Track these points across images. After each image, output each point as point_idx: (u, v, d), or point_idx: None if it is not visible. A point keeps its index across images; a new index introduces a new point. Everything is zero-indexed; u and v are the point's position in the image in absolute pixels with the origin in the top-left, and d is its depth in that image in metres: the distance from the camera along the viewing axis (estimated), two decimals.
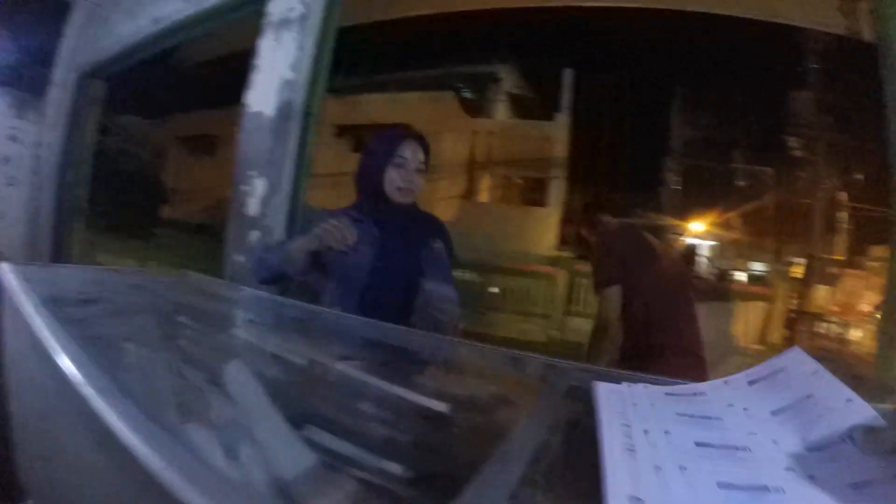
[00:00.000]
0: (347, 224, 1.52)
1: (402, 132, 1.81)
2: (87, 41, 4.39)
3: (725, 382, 0.72)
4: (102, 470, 0.47)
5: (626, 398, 0.68)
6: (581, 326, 8.57)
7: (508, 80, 16.66)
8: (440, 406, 0.59)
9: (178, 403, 0.54)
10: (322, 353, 0.80)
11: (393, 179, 1.74)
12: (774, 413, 0.59)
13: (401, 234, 1.75)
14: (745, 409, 0.62)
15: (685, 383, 0.74)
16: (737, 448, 0.53)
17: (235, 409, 0.56)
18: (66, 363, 0.53)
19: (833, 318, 16.33)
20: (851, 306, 15.59)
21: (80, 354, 0.56)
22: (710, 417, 0.61)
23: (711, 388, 0.71)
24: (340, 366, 0.74)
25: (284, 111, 2.55)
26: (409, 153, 1.76)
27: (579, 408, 0.68)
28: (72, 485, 0.53)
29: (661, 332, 2.11)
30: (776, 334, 13.49)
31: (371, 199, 1.79)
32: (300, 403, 0.59)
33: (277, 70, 2.61)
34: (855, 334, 15.80)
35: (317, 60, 2.63)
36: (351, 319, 1.14)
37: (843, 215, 16.71)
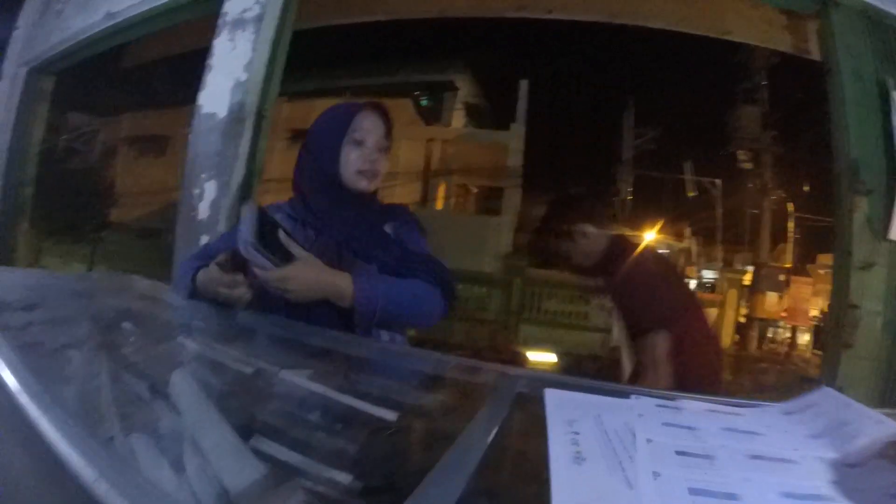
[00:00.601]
0: (241, 281, 1.15)
1: (357, 103, 1.48)
2: (39, 34, 4.24)
3: (761, 410, 0.74)
4: (37, 481, 0.45)
5: (588, 405, 0.68)
6: (533, 334, 8.68)
7: (465, 88, 16.81)
8: (388, 414, 0.58)
9: (120, 413, 0.53)
10: (268, 362, 0.78)
11: (351, 161, 1.40)
12: (812, 437, 0.62)
13: (360, 232, 1.42)
14: (785, 432, 0.64)
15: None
16: (783, 460, 0.56)
17: (179, 418, 0.55)
18: (2, 371, 0.51)
19: (781, 324, 17.04)
20: (799, 312, 16.29)
21: (16, 362, 0.53)
22: (754, 433, 0.63)
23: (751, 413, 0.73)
24: (287, 374, 0.73)
25: (237, 113, 2.51)
26: (370, 126, 1.44)
27: (526, 415, 0.68)
28: (6, 496, 0.51)
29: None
30: (727, 339, 13.94)
31: (320, 191, 1.44)
32: (246, 413, 0.57)
33: (231, 71, 2.57)
34: (802, 338, 16.52)
35: (271, 62, 2.61)
36: (298, 327, 1.13)
37: (791, 225, 17.45)
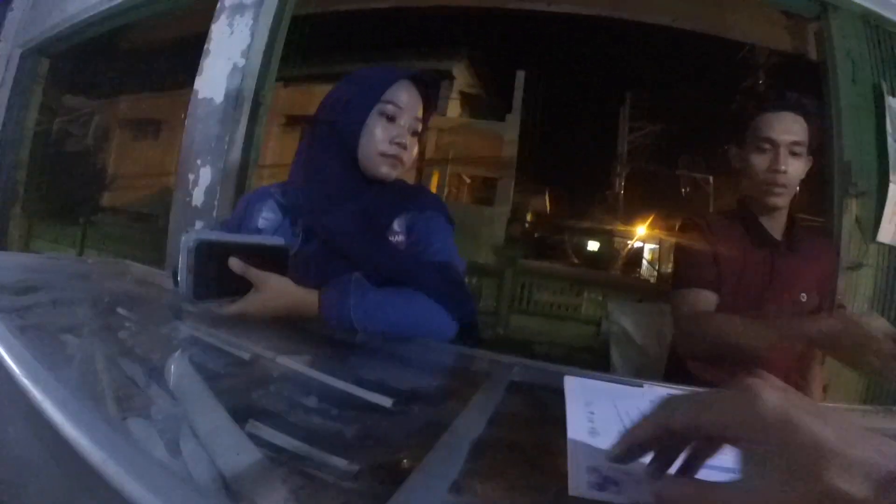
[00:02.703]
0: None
1: (396, 69, 1.17)
2: (34, 16, 4.20)
3: None
4: (42, 464, 0.46)
5: (602, 391, 0.73)
6: (526, 324, 8.70)
7: (462, 78, 16.74)
8: (384, 400, 0.60)
9: (118, 397, 0.53)
10: (265, 347, 0.79)
11: (376, 138, 1.12)
12: None
13: (360, 231, 1.12)
14: None
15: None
16: None
17: (176, 403, 0.56)
18: (3, 353, 0.52)
19: None
20: None
21: (17, 345, 0.54)
22: None
23: None
24: (284, 360, 0.74)
25: (234, 98, 2.50)
26: (407, 100, 1.15)
27: (519, 401, 0.71)
28: (8, 480, 0.52)
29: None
30: None
31: (328, 174, 1.15)
32: (242, 397, 0.58)
33: (229, 56, 2.56)
34: None
35: (269, 48, 2.60)
36: None
37: None
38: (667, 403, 0.42)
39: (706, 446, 0.42)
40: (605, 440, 0.52)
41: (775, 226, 1.53)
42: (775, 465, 0.33)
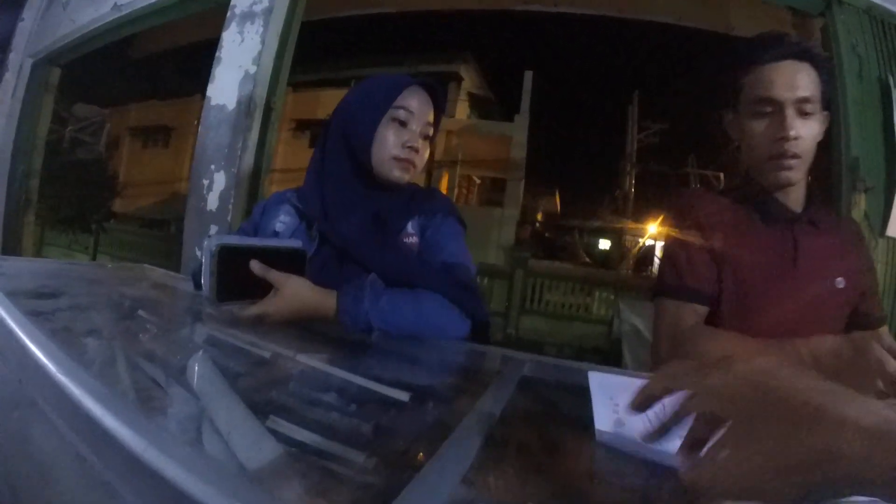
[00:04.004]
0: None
1: (406, 76, 1.20)
2: (44, 26, 4.26)
3: None
4: (69, 462, 0.48)
5: (624, 386, 0.73)
6: (536, 325, 8.69)
7: (470, 80, 16.75)
8: (401, 395, 0.62)
9: (143, 396, 0.55)
10: (284, 347, 0.81)
11: (388, 144, 1.15)
12: None
13: (373, 234, 1.16)
14: None
15: None
16: None
17: (199, 400, 0.58)
18: (37, 352, 0.54)
19: None
20: None
21: (51, 345, 0.56)
22: None
23: None
24: (303, 358, 0.76)
25: (246, 104, 2.53)
26: (418, 105, 1.18)
27: (531, 398, 0.72)
28: (31, 479, 0.54)
29: None
30: None
31: (341, 179, 1.20)
32: (263, 395, 0.60)
33: (240, 63, 2.59)
34: None
35: (280, 55, 2.63)
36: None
37: None
38: (675, 365, 0.48)
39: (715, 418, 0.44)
40: (631, 429, 0.55)
41: (792, 201, 1.24)
42: (771, 427, 0.35)
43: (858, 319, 1.23)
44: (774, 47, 1.16)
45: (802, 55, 1.14)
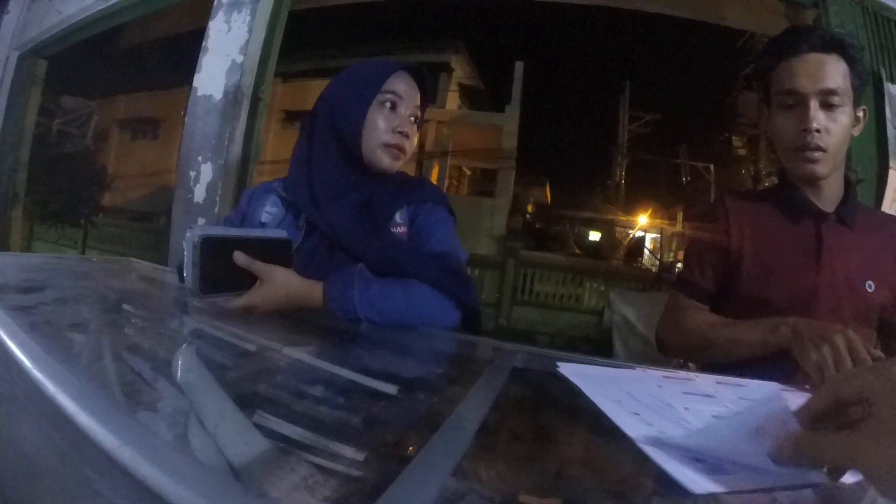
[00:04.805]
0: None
1: (393, 61, 1.19)
2: (31, 18, 4.21)
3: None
4: (54, 459, 0.47)
5: (604, 377, 0.72)
6: (528, 315, 8.71)
7: (460, 70, 16.71)
8: (389, 388, 0.61)
9: (126, 391, 0.54)
10: (271, 339, 0.80)
11: (378, 130, 1.13)
12: None
13: (362, 223, 1.13)
14: None
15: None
16: None
17: (184, 395, 0.57)
18: (14, 349, 0.53)
19: None
20: None
21: (28, 340, 0.55)
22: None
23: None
24: (290, 351, 0.75)
25: (233, 94, 2.51)
26: (406, 90, 1.16)
27: (521, 387, 0.72)
28: (18, 477, 0.53)
29: None
30: None
31: (329, 168, 1.16)
32: (249, 388, 0.59)
33: (227, 52, 2.57)
34: None
35: (267, 44, 2.61)
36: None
37: None
38: (840, 377, 0.50)
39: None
40: (652, 425, 0.54)
41: (823, 198, 1.21)
42: None
43: (887, 328, 1.19)
44: (801, 40, 1.14)
45: (829, 47, 1.12)
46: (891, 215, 1.39)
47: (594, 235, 21.64)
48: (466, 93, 17.13)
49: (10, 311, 0.67)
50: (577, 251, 17.66)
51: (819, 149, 1.11)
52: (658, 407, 0.61)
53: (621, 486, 0.46)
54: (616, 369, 0.78)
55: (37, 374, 0.47)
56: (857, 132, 1.18)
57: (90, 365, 0.59)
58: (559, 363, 0.74)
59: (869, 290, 1.15)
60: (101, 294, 1.11)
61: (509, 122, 14.42)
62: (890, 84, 2.02)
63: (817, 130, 1.10)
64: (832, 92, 1.10)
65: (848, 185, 1.24)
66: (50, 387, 0.45)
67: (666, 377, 0.73)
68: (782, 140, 1.18)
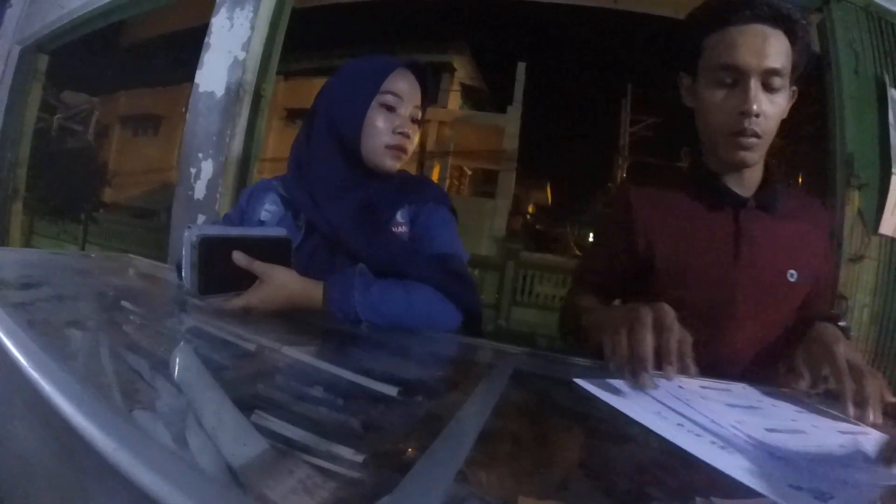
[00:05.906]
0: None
1: (393, 59, 1.16)
2: (33, 12, 4.21)
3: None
4: (49, 458, 0.47)
5: (641, 392, 0.67)
6: (528, 317, 8.71)
7: (462, 70, 16.70)
8: (389, 390, 0.60)
9: (124, 389, 0.54)
10: (270, 339, 0.79)
11: (378, 130, 1.10)
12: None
13: (362, 224, 1.10)
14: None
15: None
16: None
17: (182, 394, 0.56)
18: (10, 346, 0.52)
19: None
20: None
21: (25, 338, 0.55)
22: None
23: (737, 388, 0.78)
24: (289, 351, 0.75)
25: (235, 91, 2.50)
26: (406, 88, 1.13)
27: (524, 391, 0.71)
28: (13, 475, 0.53)
29: None
30: None
31: (328, 169, 1.14)
32: (249, 388, 0.59)
33: (229, 49, 2.56)
34: None
35: (269, 41, 2.60)
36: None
37: None
38: None
39: None
40: (717, 442, 0.52)
41: (743, 184, 1.11)
42: None
43: (809, 317, 1.02)
44: (744, 7, 0.98)
45: (777, 20, 0.97)
46: (815, 198, 1.27)
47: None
48: (468, 93, 17.12)
49: (7, 308, 0.66)
50: (578, 253, 17.65)
51: (756, 135, 0.99)
52: (709, 423, 0.58)
53: (625, 489, 0.46)
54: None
55: (33, 373, 0.46)
56: (784, 115, 1.04)
57: (87, 364, 0.58)
58: (576, 380, 0.70)
59: (791, 279, 1.07)
60: (99, 291, 1.10)
61: (511, 123, 14.42)
62: (893, 89, 2.01)
63: (757, 115, 0.97)
64: (776, 72, 0.97)
65: (768, 167, 1.14)
66: (46, 387, 0.44)
67: (681, 387, 0.70)
68: (713, 121, 1.04)
